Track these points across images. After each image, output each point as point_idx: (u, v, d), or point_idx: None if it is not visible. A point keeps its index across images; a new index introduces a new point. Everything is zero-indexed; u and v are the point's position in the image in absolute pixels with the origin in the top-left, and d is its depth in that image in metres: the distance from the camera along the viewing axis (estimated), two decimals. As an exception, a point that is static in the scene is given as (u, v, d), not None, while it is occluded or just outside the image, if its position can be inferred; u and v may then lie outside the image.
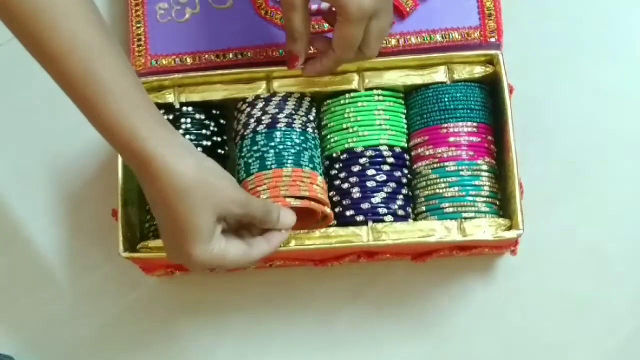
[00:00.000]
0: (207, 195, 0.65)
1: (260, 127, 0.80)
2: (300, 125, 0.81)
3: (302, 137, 0.80)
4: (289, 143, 0.79)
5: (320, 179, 0.80)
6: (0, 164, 0.92)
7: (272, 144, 0.79)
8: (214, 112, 0.83)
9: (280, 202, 0.76)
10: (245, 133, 0.81)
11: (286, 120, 0.80)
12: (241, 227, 0.72)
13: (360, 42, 0.74)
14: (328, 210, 0.78)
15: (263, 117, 0.81)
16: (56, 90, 0.65)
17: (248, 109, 0.82)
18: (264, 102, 0.81)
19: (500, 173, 0.81)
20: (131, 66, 0.68)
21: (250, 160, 0.80)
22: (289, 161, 0.79)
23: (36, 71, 0.65)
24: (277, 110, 0.81)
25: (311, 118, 0.82)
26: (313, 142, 0.82)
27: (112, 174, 0.81)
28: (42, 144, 0.91)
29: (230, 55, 0.87)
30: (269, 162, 0.79)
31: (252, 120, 0.81)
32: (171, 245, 0.68)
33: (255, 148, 0.80)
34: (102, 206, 0.87)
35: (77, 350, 0.89)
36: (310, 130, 0.82)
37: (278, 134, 0.80)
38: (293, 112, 0.81)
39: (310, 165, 0.80)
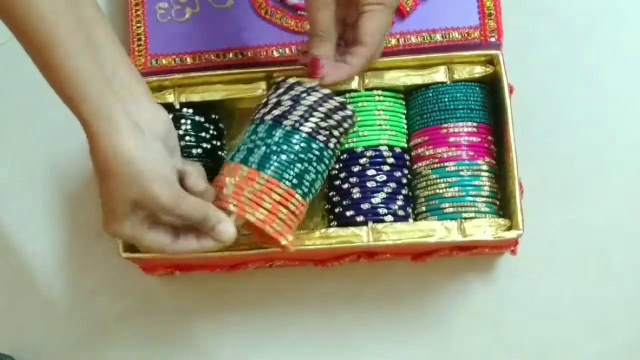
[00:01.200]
0: (128, 181, 0.64)
1: (268, 117, 0.73)
2: (310, 132, 0.72)
3: (304, 145, 0.72)
4: (284, 147, 0.72)
5: (297, 199, 0.72)
6: (0, 164, 0.92)
7: (268, 141, 0.72)
8: (213, 116, 0.83)
9: (238, 210, 0.71)
10: (255, 117, 0.75)
11: (300, 122, 0.72)
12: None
13: None
14: (283, 241, 0.72)
15: (276, 107, 0.73)
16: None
17: (272, 92, 0.75)
18: (284, 90, 0.73)
19: (500, 173, 0.81)
20: (112, 31, 0.69)
21: (241, 146, 0.74)
22: (272, 167, 0.71)
23: (36, 71, 0.65)
24: (292, 103, 0.72)
25: (335, 134, 0.73)
26: (318, 153, 0.73)
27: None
28: (42, 144, 0.91)
29: (230, 55, 0.87)
30: (252, 159, 0.72)
31: (268, 105, 0.74)
32: (102, 208, 0.68)
33: (252, 137, 0.73)
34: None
35: (77, 350, 0.89)
36: (320, 139, 0.72)
37: (279, 132, 0.72)
38: (312, 113, 0.72)
39: (295, 181, 0.71)
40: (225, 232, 0.69)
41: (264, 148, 0.72)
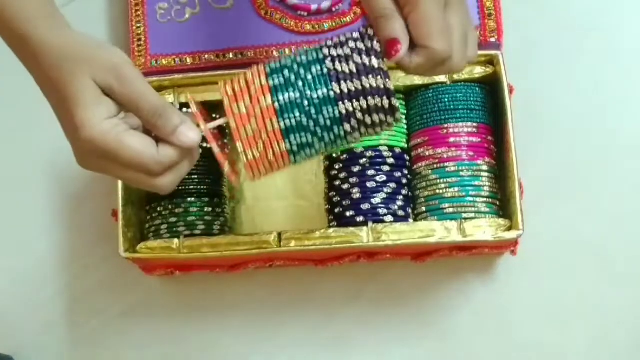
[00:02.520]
0: (83, 58, 0.60)
1: (328, 64, 0.62)
2: (344, 114, 0.62)
3: (329, 123, 0.62)
4: (313, 111, 0.62)
5: (284, 145, 0.62)
6: (0, 164, 0.92)
7: (307, 92, 0.62)
8: (213, 115, 0.83)
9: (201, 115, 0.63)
10: (323, 47, 0.63)
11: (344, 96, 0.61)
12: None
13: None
14: (225, 168, 0.64)
15: (342, 62, 0.62)
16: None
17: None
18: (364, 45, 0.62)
19: (500, 173, 0.81)
20: None
21: (284, 68, 0.63)
22: (288, 120, 0.62)
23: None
24: (356, 71, 0.61)
25: (362, 131, 0.63)
26: (330, 122, 0.62)
27: (112, 174, 0.81)
28: (42, 144, 0.91)
29: (230, 55, 0.87)
30: (281, 95, 0.62)
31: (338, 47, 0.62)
32: (63, 123, 0.62)
33: (301, 71, 0.62)
34: (102, 206, 0.87)
35: (77, 350, 0.89)
36: (342, 109, 0.62)
37: (322, 91, 0.61)
38: (361, 95, 0.61)
39: (295, 149, 0.63)
40: (190, 134, 0.61)
41: (298, 94, 0.62)
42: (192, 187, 0.81)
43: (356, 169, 0.80)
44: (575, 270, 0.85)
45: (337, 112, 0.62)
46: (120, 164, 0.61)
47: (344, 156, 0.81)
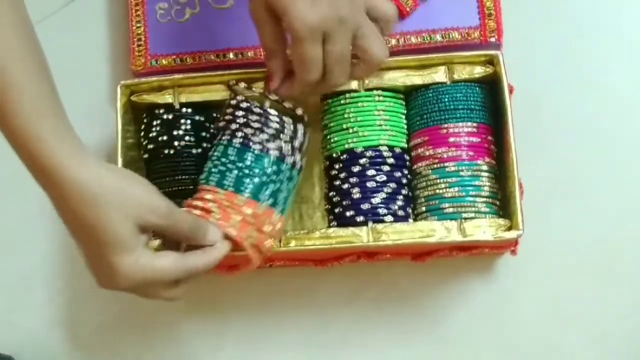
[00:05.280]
0: (121, 201, 0.61)
1: (236, 140, 0.75)
2: (277, 153, 0.75)
3: (274, 167, 0.75)
4: (257, 170, 0.74)
5: (276, 217, 0.75)
6: (0, 164, 0.92)
7: (240, 164, 0.74)
8: (214, 115, 0.83)
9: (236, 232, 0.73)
10: (223, 138, 0.77)
11: (265, 143, 0.75)
12: (166, 244, 0.69)
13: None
14: (253, 256, 0.74)
15: (242, 129, 0.75)
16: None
17: (235, 111, 0.77)
18: (247, 112, 0.76)
19: (500, 173, 0.81)
20: (48, 69, 0.63)
21: (213, 170, 0.75)
22: (247, 189, 0.74)
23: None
24: (259, 126, 0.75)
25: (296, 145, 0.76)
26: (288, 173, 0.76)
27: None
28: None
29: (230, 55, 0.87)
30: (227, 182, 0.74)
31: (233, 125, 0.76)
32: (94, 266, 0.64)
33: (223, 160, 0.75)
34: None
35: (76, 350, 0.89)
36: (288, 160, 0.75)
37: (250, 155, 0.74)
38: (277, 135, 0.75)
39: (270, 201, 0.74)
40: (216, 232, 0.70)
41: (235, 172, 0.74)
42: (191, 187, 0.81)
43: (356, 168, 0.80)
44: (575, 270, 0.85)
45: (272, 159, 0.75)
46: (155, 286, 0.66)
47: (344, 156, 0.81)
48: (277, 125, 0.75)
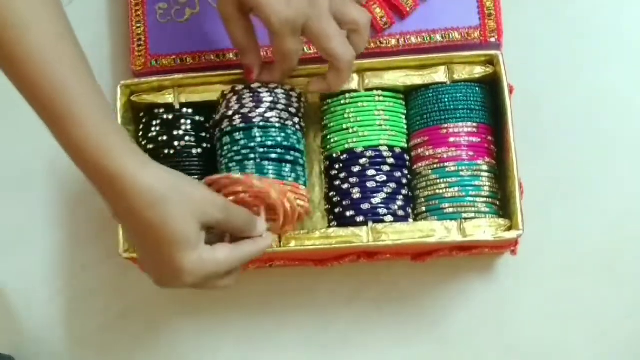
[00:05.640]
0: (183, 200, 0.63)
1: (236, 121, 0.78)
2: (278, 120, 0.78)
3: (282, 134, 0.78)
4: (269, 143, 0.77)
5: (303, 189, 0.79)
6: (0, 164, 0.92)
7: (252, 144, 0.77)
8: (213, 116, 0.83)
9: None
10: (224, 126, 0.79)
11: (265, 115, 0.78)
12: (212, 238, 0.70)
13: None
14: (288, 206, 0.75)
15: (240, 111, 0.78)
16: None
17: (228, 102, 0.80)
18: (239, 97, 0.79)
19: (500, 173, 0.81)
20: (94, 78, 0.64)
21: (230, 165, 0.78)
22: (270, 170, 0.77)
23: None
24: (254, 104, 0.78)
25: (293, 111, 0.80)
26: (295, 137, 0.79)
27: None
28: (42, 144, 0.91)
29: (230, 55, 0.87)
30: (248, 170, 0.77)
31: (229, 112, 0.79)
32: (157, 266, 0.66)
33: (235, 149, 0.78)
34: (102, 206, 0.87)
35: (77, 350, 0.89)
36: (289, 123, 0.79)
37: (256, 131, 0.78)
38: (273, 107, 0.78)
39: (293, 176, 0.78)
40: (263, 223, 0.72)
41: (252, 155, 0.77)
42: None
43: (356, 168, 0.80)
44: (575, 270, 0.85)
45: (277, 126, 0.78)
46: (215, 278, 0.68)
47: (344, 156, 0.81)
48: (271, 98, 0.78)
